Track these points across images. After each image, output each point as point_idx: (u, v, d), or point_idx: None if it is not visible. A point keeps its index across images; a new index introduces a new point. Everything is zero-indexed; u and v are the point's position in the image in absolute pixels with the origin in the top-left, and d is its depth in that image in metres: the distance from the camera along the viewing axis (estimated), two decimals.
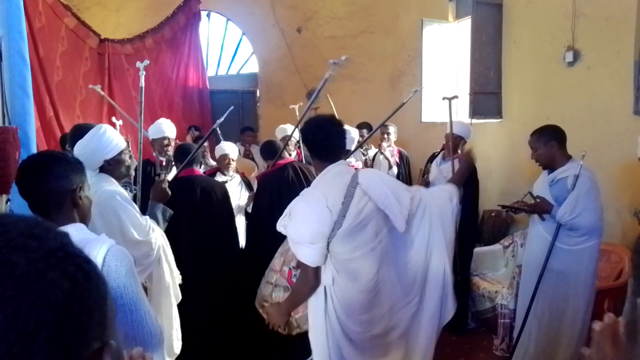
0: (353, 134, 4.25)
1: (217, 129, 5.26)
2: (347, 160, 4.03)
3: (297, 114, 5.92)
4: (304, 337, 2.90)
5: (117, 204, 2.50)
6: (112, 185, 2.60)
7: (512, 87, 5.35)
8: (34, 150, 2.49)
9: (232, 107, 3.69)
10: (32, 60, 2.67)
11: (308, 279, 2.26)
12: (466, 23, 5.92)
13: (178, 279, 2.87)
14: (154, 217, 2.73)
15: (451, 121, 4.24)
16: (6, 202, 2.23)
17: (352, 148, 4.17)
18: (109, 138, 2.59)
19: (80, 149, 2.53)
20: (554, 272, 3.16)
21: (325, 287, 2.27)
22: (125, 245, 2.34)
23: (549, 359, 3.24)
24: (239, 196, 4.74)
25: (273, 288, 2.74)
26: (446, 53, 6.61)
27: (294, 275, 2.60)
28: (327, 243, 2.17)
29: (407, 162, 5.87)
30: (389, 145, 5.59)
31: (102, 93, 4.59)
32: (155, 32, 7.13)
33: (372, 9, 7.77)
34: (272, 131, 5.76)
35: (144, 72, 3.50)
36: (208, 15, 8.13)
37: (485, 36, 5.32)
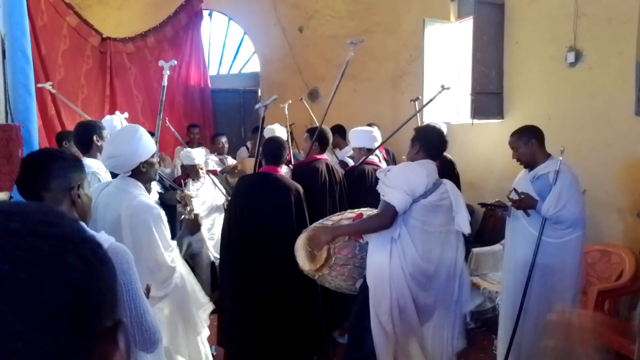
0: (375, 133, 4.40)
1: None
2: (370, 158, 4.32)
3: (287, 112, 5.91)
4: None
5: (153, 220, 2.40)
6: (144, 194, 2.50)
7: (513, 88, 5.35)
8: (37, 148, 2.49)
9: (275, 97, 3.98)
10: (34, 58, 2.67)
11: (385, 218, 2.76)
12: (468, 23, 5.92)
13: (207, 307, 2.86)
14: (179, 245, 2.66)
15: (421, 121, 4.73)
16: (9, 199, 2.24)
17: (375, 146, 4.38)
18: (147, 139, 2.50)
19: (117, 150, 2.42)
20: (540, 267, 3.24)
21: (392, 237, 2.79)
22: (150, 265, 2.31)
23: (542, 352, 3.28)
24: (213, 197, 4.79)
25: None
26: (448, 53, 6.60)
27: (363, 217, 3.02)
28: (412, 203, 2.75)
29: (394, 158, 5.98)
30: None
31: (54, 91, 4.54)
32: (157, 30, 7.12)
33: (373, 8, 7.76)
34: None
35: (168, 72, 3.49)
36: (210, 14, 8.13)
37: (487, 36, 5.32)
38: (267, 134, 5.50)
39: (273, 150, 3.50)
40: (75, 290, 0.49)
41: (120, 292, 1.54)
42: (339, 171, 4.15)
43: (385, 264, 2.79)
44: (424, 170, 2.82)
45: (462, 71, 6.42)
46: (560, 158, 3.16)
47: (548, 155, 3.31)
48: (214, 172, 5.08)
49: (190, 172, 4.81)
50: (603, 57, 4.25)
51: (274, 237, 3.36)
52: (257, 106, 3.80)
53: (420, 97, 4.70)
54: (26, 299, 0.46)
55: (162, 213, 2.53)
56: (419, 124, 4.67)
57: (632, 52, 3.95)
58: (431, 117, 6.37)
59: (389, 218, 2.73)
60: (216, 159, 5.93)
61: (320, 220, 3.04)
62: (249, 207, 3.40)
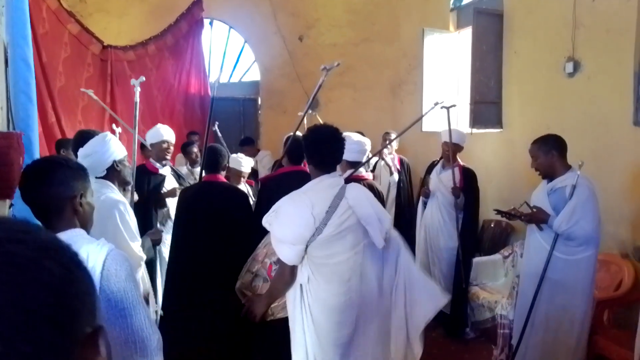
0: (367, 146, 3.91)
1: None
2: (359, 170, 3.84)
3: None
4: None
5: (119, 213, 2.60)
6: (116, 193, 2.69)
7: (512, 97, 5.37)
8: (37, 156, 2.50)
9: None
10: (35, 66, 2.69)
11: (284, 275, 2.43)
12: (467, 33, 5.96)
13: (157, 309, 3.06)
14: (142, 246, 2.88)
15: (450, 130, 4.30)
16: (9, 207, 2.24)
17: (363, 159, 3.89)
18: (116, 141, 2.76)
19: (90, 148, 2.65)
20: (552, 282, 3.16)
21: (301, 284, 2.41)
22: None
23: None
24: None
25: (253, 277, 2.81)
26: (447, 62, 6.64)
27: (274, 270, 2.71)
28: (306, 246, 2.33)
29: (408, 169, 5.91)
30: (390, 153, 5.61)
31: (95, 97, 4.63)
32: (157, 39, 7.16)
33: (373, 18, 7.81)
34: (273, 138, 5.79)
35: (139, 89, 3.53)
36: (210, 23, 8.14)
37: (486, 46, 5.35)
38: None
39: (211, 158, 3.47)
40: (53, 291, 0.51)
41: (118, 299, 1.55)
42: None
43: (297, 311, 2.44)
44: (308, 205, 2.32)
45: (461, 80, 6.45)
46: (579, 172, 3.06)
47: (568, 167, 3.20)
48: (249, 183, 5.01)
49: (233, 176, 4.67)
50: (601, 67, 4.27)
51: (224, 244, 3.26)
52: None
53: (455, 104, 4.52)
54: (3, 299, 0.47)
55: (128, 207, 2.74)
56: (450, 134, 4.41)
57: (630, 63, 3.97)
58: (431, 127, 6.40)
59: (287, 274, 2.40)
60: (186, 170, 5.53)
61: (263, 241, 2.83)
62: (196, 217, 3.31)
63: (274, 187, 3.60)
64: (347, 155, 3.56)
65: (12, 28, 2.43)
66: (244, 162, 4.68)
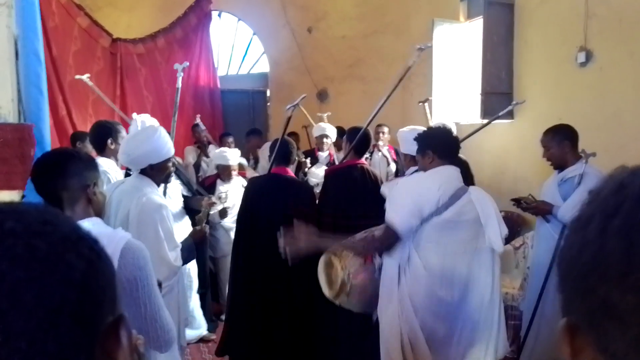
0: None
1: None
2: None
3: (306, 113, 5.92)
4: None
5: (161, 219, 2.48)
6: (156, 193, 2.58)
7: (523, 88, 5.32)
8: (48, 148, 2.52)
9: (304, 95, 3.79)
10: (45, 59, 2.70)
11: (384, 242, 2.42)
12: (478, 23, 5.90)
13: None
14: (182, 251, 2.73)
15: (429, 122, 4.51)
16: (21, 198, 2.26)
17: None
18: (162, 144, 2.58)
19: (132, 148, 2.51)
20: None
21: (399, 264, 2.42)
22: (154, 262, 2.37)
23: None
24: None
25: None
26: (457, 53, 6.58)
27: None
28: (420, 224, 2.34)
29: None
30: (384, 145, 5.63)
31: (90, 83, 4.64)
32: (166, 32, 7.16)
33: (382, 9, 7.76)
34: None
35: (182, 74, 3.44)
36: (219, 15, 8.16)
37: (497, 36, 5.30)
38: (316, 131, 5.47)
39: (281, 150, 3.46)
40: (76, 287, 0.49)
41: (133, 288, 1.56)
42: (379, 179, 3.72)
43: (393, 295, 2.43)
44: (436, 182, 2.38)
45: (472, 72, 6.39)
46: (585, 161, 3.08)
47: (579, 158, 3.21)
48: (242, 174, 4.98)
49: (222, 172, 4.65)
50: (614, 58, 4.22)
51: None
52: (287, 107, 3.70)
53: (430, 98, 4.61)
54: (27, 297, 0.45)
55: (170, 212, 2.60)
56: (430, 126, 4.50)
57: None
58: (441, 118, 6.36)
59: (388, 242, 2.40)
60: (191, 160, 5.76)
61: (343, 242, 2.74)
62: (260, 209, 3.36)
63: (340, 178, 3.65)
64: (411, 149, 3.43)
65: (22, 21, 2.45)
66: (229, 156, 4.59)
